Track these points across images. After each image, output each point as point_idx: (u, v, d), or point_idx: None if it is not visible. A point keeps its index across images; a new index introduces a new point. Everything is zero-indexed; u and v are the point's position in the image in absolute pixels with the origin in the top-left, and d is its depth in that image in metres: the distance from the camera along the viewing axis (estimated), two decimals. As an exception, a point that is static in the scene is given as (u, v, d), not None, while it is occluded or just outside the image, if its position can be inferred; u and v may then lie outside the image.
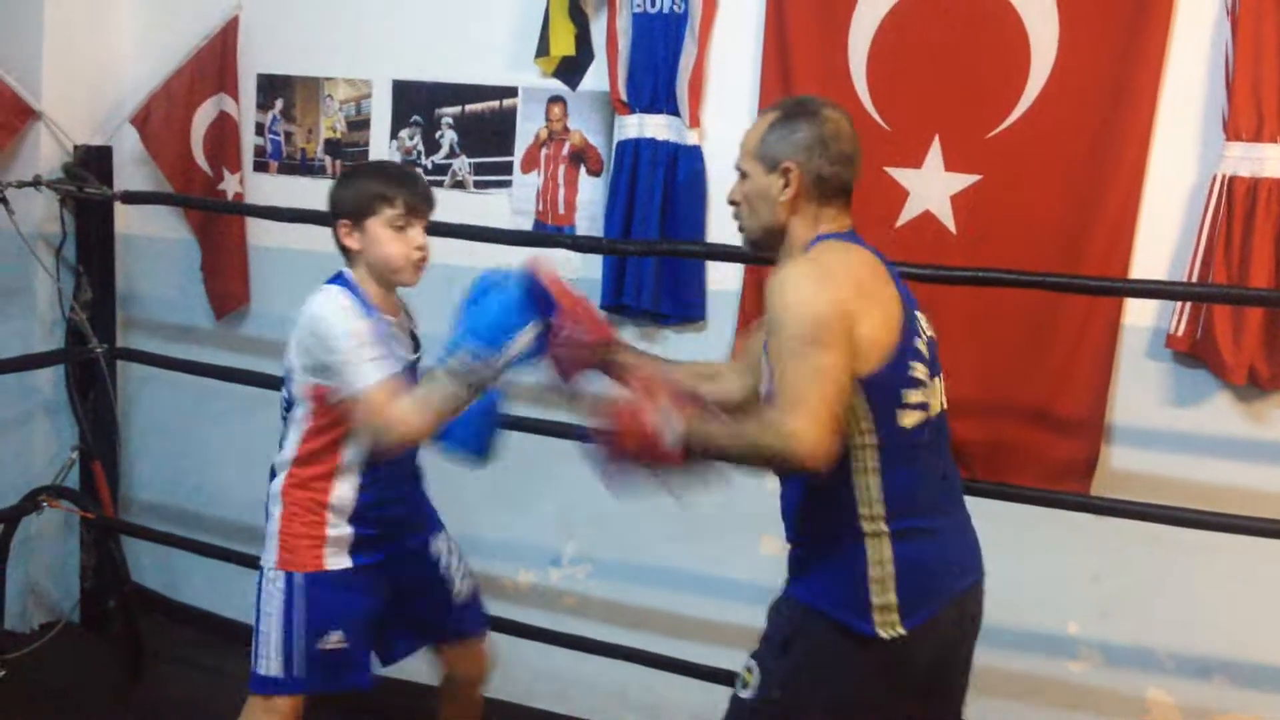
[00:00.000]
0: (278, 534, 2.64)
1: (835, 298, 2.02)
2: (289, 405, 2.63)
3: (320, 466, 2.60)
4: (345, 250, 2.63)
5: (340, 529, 2.62)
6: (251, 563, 3.82)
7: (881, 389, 2.07)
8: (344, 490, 2.60)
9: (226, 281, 4.17)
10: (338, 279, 2.61)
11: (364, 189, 2.58)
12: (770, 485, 3.56)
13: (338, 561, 2.63)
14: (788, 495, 2.27)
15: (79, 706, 3.79)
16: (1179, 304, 3.10)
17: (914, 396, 2.11)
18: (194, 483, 4.39)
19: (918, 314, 2.19)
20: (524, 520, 3.89)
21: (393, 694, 3.51)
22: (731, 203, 2.31)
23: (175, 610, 4.38)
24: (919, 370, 2.12)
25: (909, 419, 2.10)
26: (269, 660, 2.62)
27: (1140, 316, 3.21)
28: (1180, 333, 3.10)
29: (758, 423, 2.03)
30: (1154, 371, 3.22)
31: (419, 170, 2.63)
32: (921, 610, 2.09)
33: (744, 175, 2.27)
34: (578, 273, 3.70)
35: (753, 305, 3.50)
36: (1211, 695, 3.25)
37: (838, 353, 1.99)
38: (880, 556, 2.09)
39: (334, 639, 2.61)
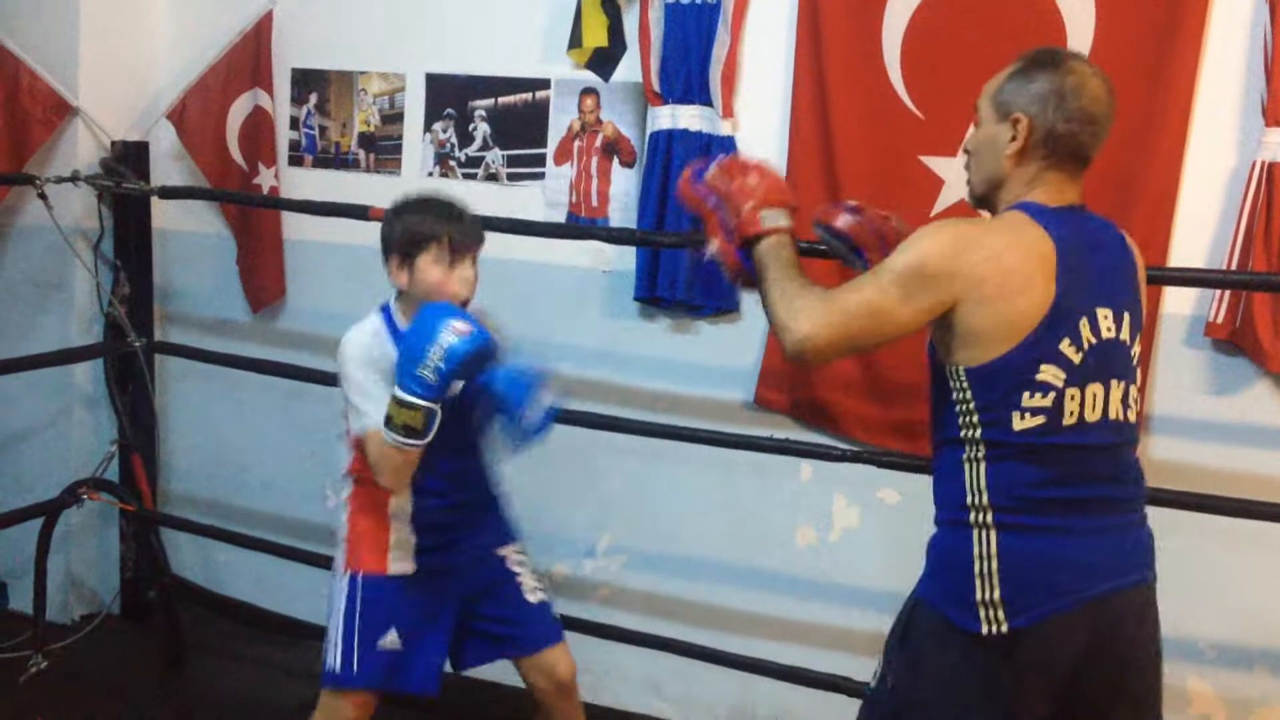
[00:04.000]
0: (345, 538, 2.71)
1: (954, 267, 1.97)
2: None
3: (374, 481, 2.63)
4: (397, 284, 2.62)
5: (403, 533, 2.68)
6: (290, 554, 3.90)
7: (993, 385, 1.99)
8: (400, 500, 2.65)
9: (262, 275, 4.20)
10: (382, 308, 2.64)
11: (412, 226, 2.56)
12: (806, 478, 3.58)
13: (402, 566, 2.69)
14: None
15: (120, 697, 3.82)
16: (1218, 292, 3.07)
17: (1035, 400, 1.98)
18: (232, 475, 4.42)
19: (1091, 314, 2.02)
20: (558, 511, 3.89)
21: (464, 692, 3.54)
22: (964, 151, 2.22)
23: (215, 602, 4.41)
24: (1049, 374, 1.97)
25: (1022, 423, 1.98)
26: (334, 656, 2.67)
27: (1179, 304, 3.18)
28: (1219, 321, 3.07)
29: (803, 294, 2.05)
30: (1193, 360, 3.19)
31: (459, 202, 2.63)
32: (1033, 609, 1.96)
33: (978, 123, 2.18)
34: (611, 265, 3.71)
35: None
36: (1254, 686, 3.23)
37: (900, 302, 1.98)
38: (985, 550, 1.99)
39: (390, 639, 2.66)
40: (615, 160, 3.73)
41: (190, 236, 4.35)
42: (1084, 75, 2.08)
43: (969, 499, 2.03)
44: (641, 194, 3.60)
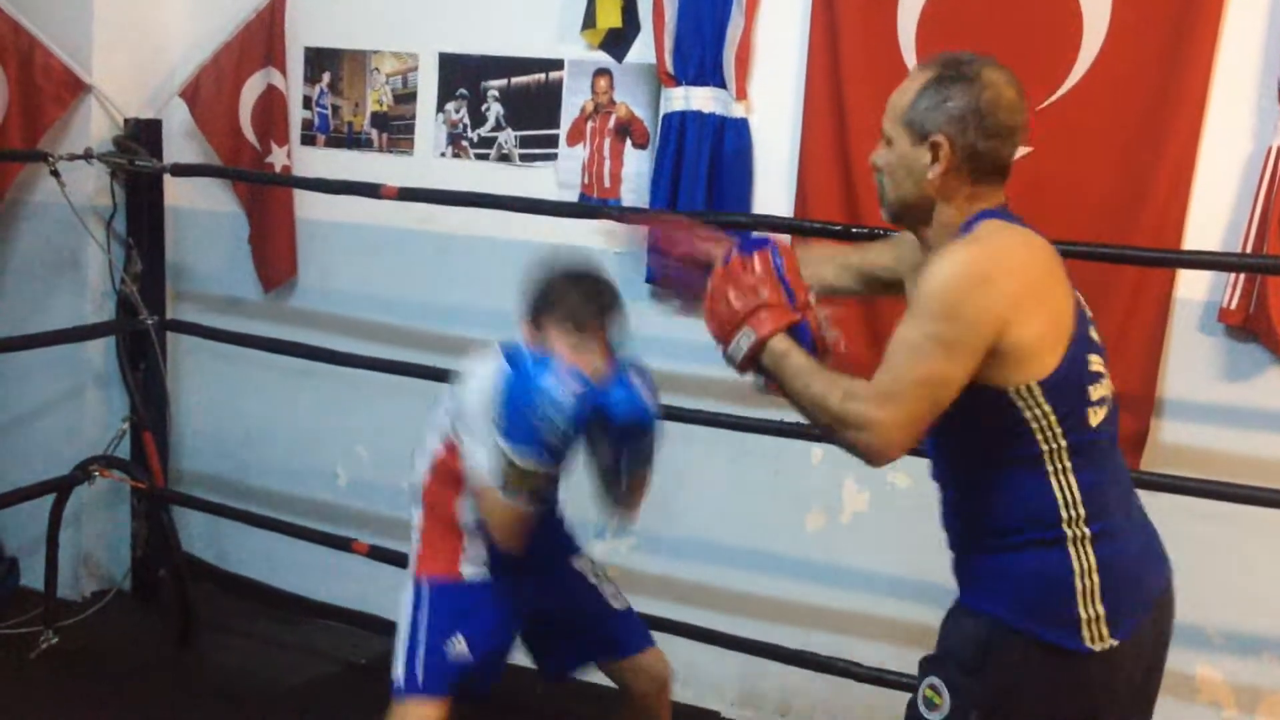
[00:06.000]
0: (420, 539, 2.67)
1: (993, 304, 1.84)
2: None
3: (453, 484, 2.59)
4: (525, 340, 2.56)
5: (477, 544, 2.63)
6: (300, 533, 3.91)
7: (1065, 389, 1.90)
8: (470, 516, 2.61)
9: (274, 254, 4.20)
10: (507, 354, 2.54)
11: (546, 289, 2.52)
12: (816, 461, 3.57)
13: (475, 573, 2.64)
14: (958, 500, 2.08)
15: (129, 673, 3.85)
16: (1232, 276, 3.06)
17: (1099, 390, 1.94)
18: (242, 453, 4.43)
19: (1081, 299, 2.00)
20: (569, 493, 3.89)
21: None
22: (874, 167, 2.07)
23: (225, 579, 4.43)
24: (1096, 363, 1.94)
25: (1096, 416, 1.93)
26: (400, 666, 2.61)
27: (1193, 289, 3.16)
28: (1233, 306, 3.06)
29: (842, 390, 1.87)
30: (1206, 345, 3.18)
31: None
32: (1129, 618, 1.93)
33: (889, 141, 2.02)
34: (623, 246, 3.70)
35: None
36: (1263, 673, 3.22)
37: (960, 365, 1.84)
38: (1085, 565, 1.90)
39: (459, 648, 2.60)
40: (628, 141, 3.72)
41: (202, 215, 4.36)
42: (998, 86, 1.94)
43: (1064, 514, 1.91)
44: (654, 175, 3.59)
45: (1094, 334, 1.97)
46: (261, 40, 4.08)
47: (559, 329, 2.47)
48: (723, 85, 3.50)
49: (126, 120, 4.11)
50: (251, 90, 4.13)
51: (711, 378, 3.62)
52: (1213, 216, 3.11)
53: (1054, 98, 3.19)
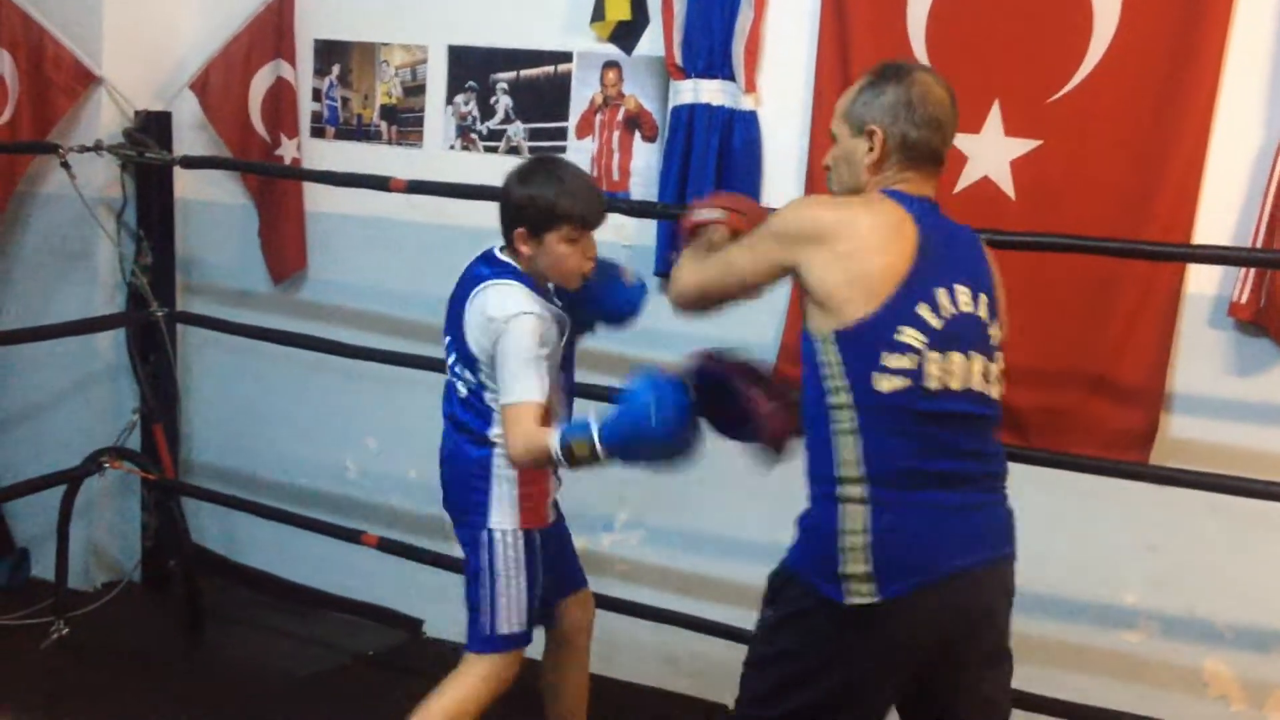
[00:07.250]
0: (512, 497, 2.68)
1: (796, 221, 2.16)
2: (478, 388, 2.63)
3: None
4: (516, 251, 2.61)
5: (557, 482, 2.80)
6: (309, 525, 3.91)
7: (858, 346, 2.07)
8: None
9: (284, 246, 4.20)
10: (509, 273, 2.60)
11: (545, 202, 2.54)
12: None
13: (553, 515, 2.81)
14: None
15: (140, 664, 3.86)
16: (1242, 271, 3.05)
17: (896, 361, 2.05)
18: (252, 445, 4.44)
19: (950, 287, 2.11)
20: (577, 486, 3.88)
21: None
22: (825, 167, 2.33)
23: (234, 571, 4.44)
24: (909, 336, 2.05)
25: (886, 384, 2.05)
26: (510, 618, 2.67)
27: (1203, 284, 3.16)
28: (1243, 300, 3.05)
29: (691, 259, 2.40)
30: (1216, 340, 3.17)
31: (593, 182, 2.67)
32: (899, 582, 2.04)
33: (835, 139, 2.29)
34: (632, 239, 3.70)
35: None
36: (1271, 668, 3.22)
37: (752, 258, 2.22)
38: (855, 524, 2.06)
39: (533, 595, 2.71)
40: (637, 134, 3.72)
41: (212, 207, 4.37)
42: (928, 84, 2.21)
43: (841, 471, 2.09)
44: (663, 168, 3.59)
45: (928, 315, 2.07)
46: (271, 32, 4.09)
47: (560, 239, 2.56)
48: (732, 78, 3.49)
49: (137, 112, 4.11)
50: (261, 82, 4.14)
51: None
52: (1223, 210, 3.10)
53: (1064, 91, 3.17)
